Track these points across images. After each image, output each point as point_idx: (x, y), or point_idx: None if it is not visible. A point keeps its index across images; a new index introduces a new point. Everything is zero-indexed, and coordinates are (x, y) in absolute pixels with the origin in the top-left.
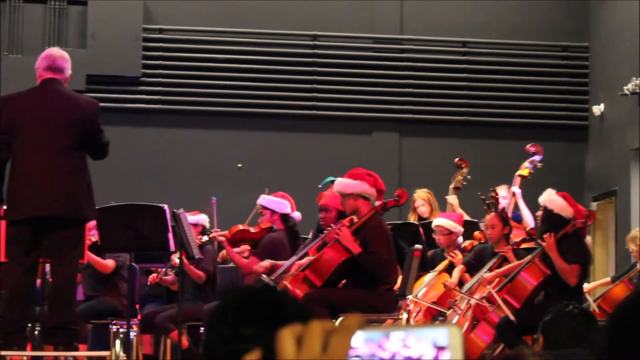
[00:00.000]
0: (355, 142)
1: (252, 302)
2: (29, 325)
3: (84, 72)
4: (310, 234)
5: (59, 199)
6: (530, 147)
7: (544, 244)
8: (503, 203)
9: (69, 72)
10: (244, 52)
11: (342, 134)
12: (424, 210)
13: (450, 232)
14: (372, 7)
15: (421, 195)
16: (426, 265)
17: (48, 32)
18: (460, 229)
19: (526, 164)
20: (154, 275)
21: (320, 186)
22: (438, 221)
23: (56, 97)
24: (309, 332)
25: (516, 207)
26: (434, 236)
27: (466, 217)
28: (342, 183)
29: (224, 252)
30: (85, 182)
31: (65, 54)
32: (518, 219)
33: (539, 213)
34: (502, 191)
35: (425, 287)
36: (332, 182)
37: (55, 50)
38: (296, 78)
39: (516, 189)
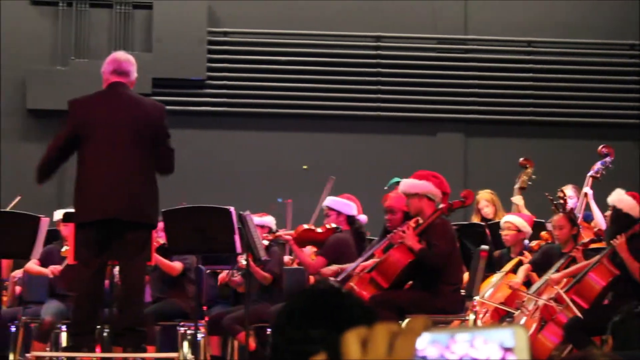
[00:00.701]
0: (420, 143)
1: (319, 303)
2: (98, 327)
3: (149, 75)
4: (366, 235)
5: (127, 201)
6: (602, 149)
7: (616, 242)
8: (570, 203)
9: (134, 75)
10: (308, 54)
11: (406, 135)
12: (488, 211)
13: (518, 230)
14: (436, 8)
15: (485, 196)
16: (493, 266)
17: (114, 36)
18: (529, 229)
19: (598, 164)
20: (224, 274)
21: (385, 188)
22: (508, 217)
23: (123, 101)
24: (374, 335)
25: (587, 207)
26: (500, 233)
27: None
28: (408, 183)
29: (289, 258)
30: (152, 184)
31: (131, 58)
32: (589, 218)
33: (608, 213)
34: (568, 191)
35: (492, 288)
36: (397, 183)
37: (122, 54)
38: (360, 79)
39: (588, 189)
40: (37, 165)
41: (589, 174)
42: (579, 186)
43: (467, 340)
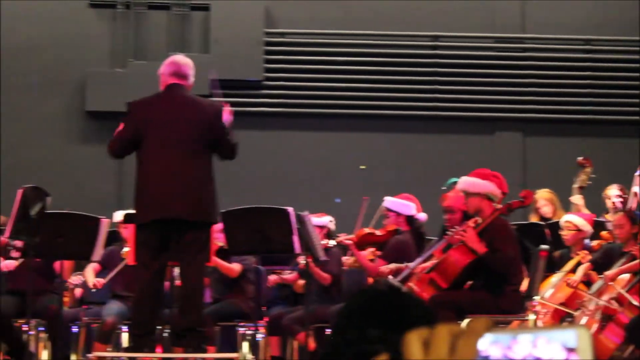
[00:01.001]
0: (478, 142)
1: (378, 304)
2: (159, 327)
3: (207, 76)
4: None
5: (186, 202)
6: None
7: None
8: (616, 202)
9: (192, 79)
10: (365, 54)
11: (464, 135)
12: (547, 210)
13: (578, 230)
14: (493, 7)
15: (543, 196)
16: (553, 266)
17: (172, 38)
18: (589, 229)
19: None
20: (275, 276)
21: (443, 188)
22: (568, 217)
23: (180, 102)
24: (436, 335)
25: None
26: (560, 232)
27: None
28: (468, 182)
29: (349, 259)
30: (211, 185)
31: (190, 61)
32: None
33: None
34: (613, 190)
35: (552, 288)
36: (455, 183)
37: (180, 57)
38: (417, 79)
39: (637, 188)
40: (109, 149)
41: (636, 174)
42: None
43: (530, 341)
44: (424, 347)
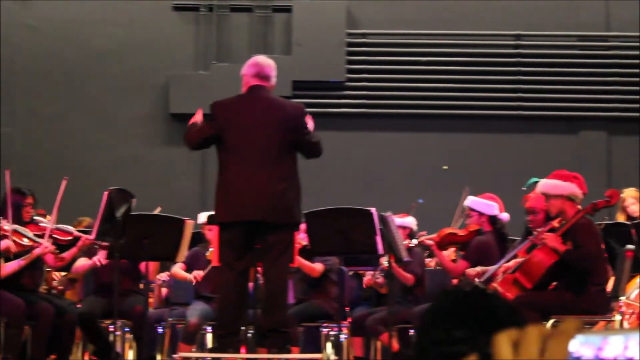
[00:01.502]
0: (562, 141)
1: (464, 304)
2: (243, 328)
3: (289, 78)
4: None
5: (271, 203)
6: None
7: None
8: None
9: (274, 80)
10: (447, 54)
11: (547, 134)
12: (634, 209)
13: None
14: (577, 5)
15: (631, 194)
16: (639, 267)
17: (254, 40)
18: None
19: None
20: (369, 277)
21: (523, 188)
22: None
23: (263, 103)
24: (526, 337)
25: None
26: None
27: None
28: (548, 184)
29: (431, 260)
30: (295, 186)
31: (272, 63)
32: None
33: None
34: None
35: (639, 289)
36: (536, 183)
37: (262, 59)
38: (500, 79)
39: None
40: (185, 140)
41: None
42: None
43: (621, 342)
44: (513, 348)
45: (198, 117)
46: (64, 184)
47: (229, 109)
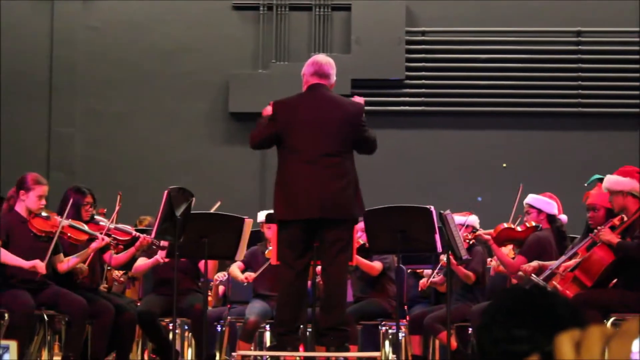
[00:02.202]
0: (623, 138)
1: (524, 303)
2: (302, 326)
3: (348, 76)
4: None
5: (328, 201)
6: None
7: None
8: None
9: (334, 78)
10: (507, 51)
11: (609, 131)
12: None
13: None
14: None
15: None
16: None
17: (313, 39)
18: None
19: None
20: (424, 281)
21: (586, 185)
22: None
23: (323, 101)
24: (588, 337)
25: None
26: None
27: None
28: (612, 180)
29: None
30: (353, 183)
31: (331, 61)
32: None
33: None
34: None
35: None
36: (599, 180)
37: (322, 57)
38: (561, 75)
39: None
40: (250, 137)
41: None
42: None
43: None
44: (575, 348)
45: (267, 112)
46: (119, 198)
47: (288, 107)
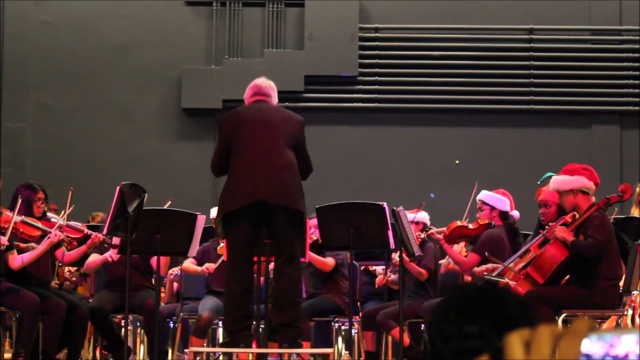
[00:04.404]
0: (574, 136)
1: (475, 299)
2: (254, 323)
3: (302, 73)
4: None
5: (274, 188)
6: None
7: None
8: None
9: (275, 100)
10: (460, 48)
11: (560, 128)
12: None
13: None
14: None
15: None
16: None
17: (266, 35)
18: None
19: None
20: (381, 277)
21: (538, 183)
22: None
23: (266, 109)
24: (538, 336)
25: None
26: None
27: None
28: (559, 180)
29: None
30: (298, 179)
31: (272, 83)
32: None
33: None
34: None
35: None
36: (551, 177)
37: (262, 80)
38: (512, 73)
39: None
40: (211, 168)
41: None
42: None
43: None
44: (525, 348)
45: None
46: (70, 194)
47: (232, 117)
